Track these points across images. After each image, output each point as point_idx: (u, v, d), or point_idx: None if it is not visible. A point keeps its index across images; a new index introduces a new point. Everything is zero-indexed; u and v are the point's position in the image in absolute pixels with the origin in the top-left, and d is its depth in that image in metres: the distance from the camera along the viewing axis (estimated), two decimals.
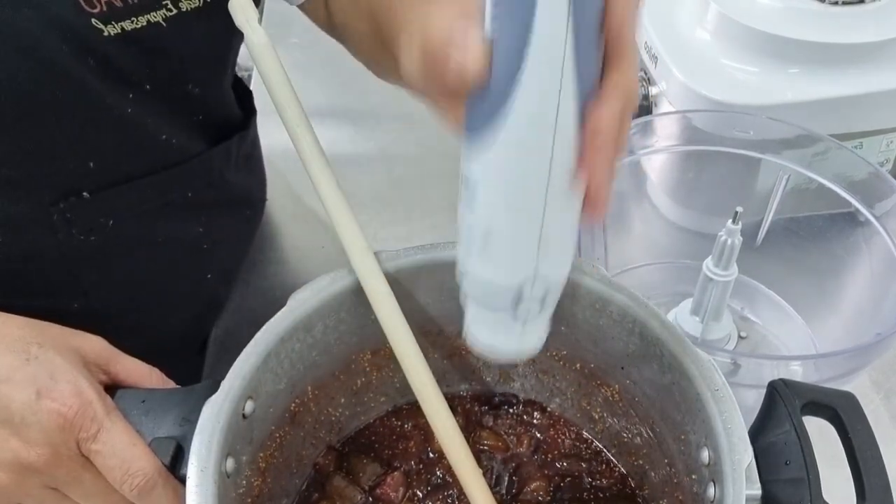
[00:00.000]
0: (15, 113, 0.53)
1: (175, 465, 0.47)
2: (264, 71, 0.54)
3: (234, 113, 0.72)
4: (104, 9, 0.52)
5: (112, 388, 0.50)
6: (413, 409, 0.63)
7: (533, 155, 0.37)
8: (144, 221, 0.64)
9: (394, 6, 0.56)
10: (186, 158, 0.65)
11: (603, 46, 0.36)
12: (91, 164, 0.58)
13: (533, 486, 0.58)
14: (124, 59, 0.55)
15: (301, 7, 0.71)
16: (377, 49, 0.62)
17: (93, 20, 0.52)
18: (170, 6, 0.56)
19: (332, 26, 0.70)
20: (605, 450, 0.61)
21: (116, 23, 0.53)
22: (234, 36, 0.64)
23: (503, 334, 0.45)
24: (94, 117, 0.56)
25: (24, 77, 0.52)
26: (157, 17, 0.55)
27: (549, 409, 0.64)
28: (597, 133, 0.36)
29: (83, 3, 0.52)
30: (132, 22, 0.54)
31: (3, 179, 0.56)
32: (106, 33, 0.53)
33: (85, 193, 0.59)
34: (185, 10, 0.56)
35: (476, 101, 0.38)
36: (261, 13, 0.60)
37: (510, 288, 0.42)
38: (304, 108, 0.53)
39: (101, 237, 0.62)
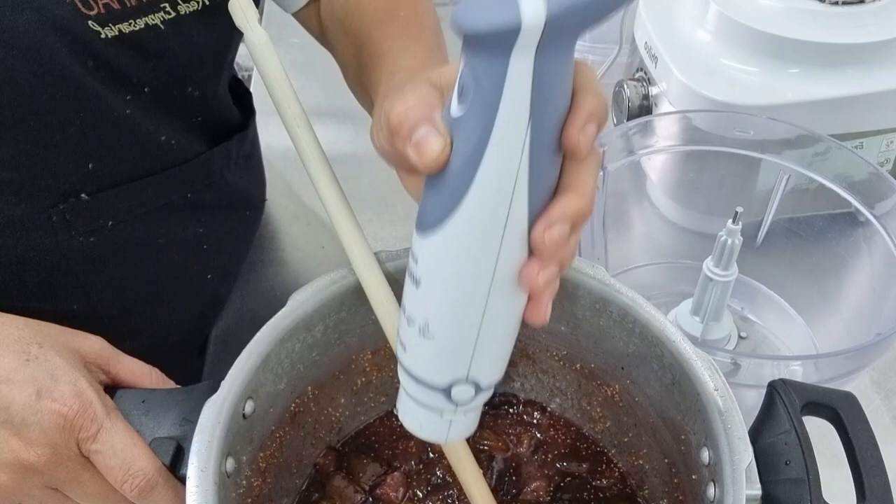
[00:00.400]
0: (14, 115, 0.53)
1: (175, 465, 0.47)
2: (264, 71, 0.54)
3: (233, 114, 0.72)
4: (102, 11, 0.52)
5: (112, 388, 0.50)
6: None
7: (480, 252, 0.37)
8: (144, 222, 0.64)
9: (381, 53, 0.57)
10: (186, 159, 0.65)
11: (560, 160, 0.37)
12: (90, 166, 0.58)
13: (533, 485, 0.58)
14: (122, 62, 0.55)
15: (295, 16, 0.71)
16: (356, 83, 0.63)
17: (90, 22, 0.52)
18: (168, 9, 0.56)
19: (323, 38, 0.71)
20: (605, 450, 0.61)
21: (114, 25, 0.53)
22: (233, 38, 0.64)
23: (430, 423, 0.45)
24: (93, 119, 0.56)
25: (23, 79, 0.52)
26: (154, 19, 0.55)
27: (549, 408, 0.64)
28: (542, 248, 0.37)
29: (80, 6, 0.52)
30: (130, 24, 0.54)
31: (2, 181, 0.56)
32: (103, 35, 0.53)
33: (84, 195, 0.59)
34: (183, 13, 0.56)
35: (430, 188, 0.38)
36: (261, 13, 0.60)
37: (439, 387, 0.42)
38: (304, 107, 0.53)
39: (101, 238, 0.62)
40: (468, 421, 0.46)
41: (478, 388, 0.43)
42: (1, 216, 0.57)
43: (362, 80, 0.60)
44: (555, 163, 0.36)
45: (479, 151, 0.34)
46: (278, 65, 0.54)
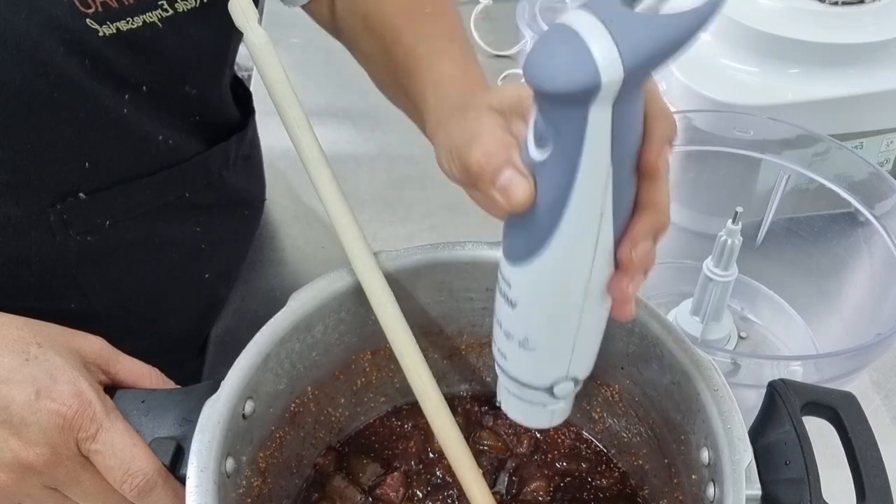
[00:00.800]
0: (11, 114, 0.53)
1: (175, 465, 0.47)
2: (264, 71, 0.54)
3: (232, 113, 0.72)
4: (99, 9, 0.52)
5: (111, 388, 0.50)
6: (413, 410, 0.63)
7: (573, 277, 0.40)
8: (142, 222, 0.64)
9: (417, 57, 0.58)
10: (184, 159, 0.65)
11: (636, 181, 0.39)
12: (87, 165, 0.58)
13: (533, 486, 0.58)
14: (120, 60, 0.55)
15: (304, 8, 0.71)
16: (388, 79, 0.64)
17: (87, 21, 0.52)
18: (165, 7, 0.55)
19: (336, 31, 0.70)
20: (604, 450, 0.61)
21: (111, 23, 0.53)
22: (232, 37, 0.64)
23: (534, 414, 0.49)
24: (91, 118, 0.56)
25: (20, 78, 0.52)
26: (152, 17, 0.55)
27: None
28: (630, 265, 0.39)
29: (78, 4, 0.52)
30: (127, 22, 0.54)
31: (0, 181, 0.56)
32: (101, 34, 0.53)
33: (82, 195, 0.59)
34: (180, 10, 0.56)
35: (516, 225, 0.40)
36: (260, 13, 0.60)
37: (543, 388, 0.46)
38: (304, 108, 0.53)
39: (98, 238, 0.62)
40: (568, 405, 0.49)
41: (577, 382, 0.47)
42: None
43: (400, 81, 0.60)
44: (633, 185, 0.38)
45: (565, 193, 0.36)
46: (278, 65, 0.54)
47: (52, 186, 0.58)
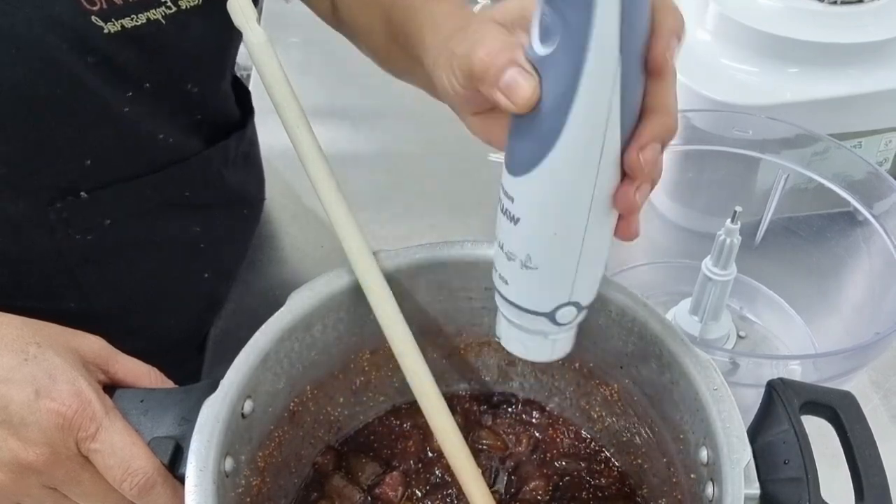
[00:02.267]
0: (14, 111, 0.53)
1: (174, 464, 0.47)
2: (263, 70, 0.54)
3: (232, 112, 0.72)
4: (104, 6, 0.52)
5: (111, 387, 0.50)
6: (412, 409, 0.63)
7: (578, 185, 0.38)
8: (142, 221, 0.64)
9: (414, 7, 0.57)
10: (184, 158, 0.65)
11: (644, 81, 0.37)
12: (88, 163, 0.58)
13: (532, 485, 0.58)
14: (124, 57, 0.55)
15: (304, 1, 0.71)
16: (389, 46, 0.63)
17: (93, 18, 0.52)
18: (169, 4, 0.56)
19: (337, 20, 0.70)
20: (603, 449, 0.62)
21: (116, 20, 0.53)
22: (234, 35, 0.64)
23: (535, 346, 0.47)
24: (93, 116, 0.56)
25: (24, 75, 0.52)
26: (156, 14, 0.55)
27: (548, 408, 0.64)
28: (638, 170, 0.37)
29: (84, 2, 0.52)
30: (132, 19, 0.54)
31: (1, 179, 0.56)
32: (106, 31, 0.53)
33: (83, 193, 0.59)
34: (184, 7, 0.56)
35: (520, 130, 0.38)
36: (259, 13, 0.60)
37: (545, 313, 0.44)
38: (304, 107, 0.53)
39: (98, 237, 0.62)
40: (570, 337, 0.48)
41: (580, 308, 0.44)
42: (0, 214, 0.57)
43: (400, 42, 0.60)
44: (641, 85, 0.37)
45: (572, 89, 0.35)
46: (277, 64, 0.54)
47: (52, 184, 0.58)
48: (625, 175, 0.38)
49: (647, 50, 0.36)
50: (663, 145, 0.38)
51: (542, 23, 0.35)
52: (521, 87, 0.36)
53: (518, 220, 0.40)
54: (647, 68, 0.36)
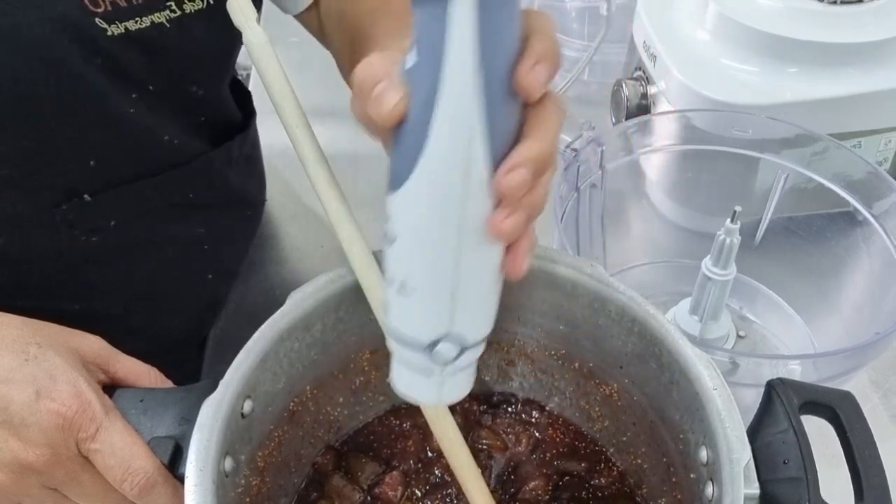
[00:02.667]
0: (16, 111, 0.53)
1: (174, 464, 0.47)
2: (263, 70, 0.54)
3: (234, 114, 0.72)
4: (109, 8, 0.53)
5: (111, 387, 0.50)
6: (412, 409, 0.63)
7: (444, 204, 0.37)
8: (145, 222, 0.64)
9: (373, 38, 0.58)
10: (187, 160, 0.65)
11: (519, 108, 0.37)
12: (92, 163, 0.58)
13: (532, 485, 0.58)
14: (128, 60, 0.56)
15: (297, 18, 0.72)
16: (350, 70, 0.64)
17: (97, 20, 0.52)
18: (174, 7, 0.56)
19: (323, 37, 0.71)
20: (603, 449, 0.62)
21: (120, 23, 0.54)
22: (236, 37, 0.64)
23: (423, 385, 0.45)
24: (96, 116, 0.56)
25: (26, 75, 0.52)
26: (160, 17, 0.55)
27: (547, 408, 0.64)
28: (505, 192, 0.37)
29: (88, 4, 0.52)
30: (136, 22, 0.54)
31: (5, 180, 0.56)
32: (110, 33, 0.53)
33: (87, 196, 0.59)
34: (188, 11, 0.57)
35: (395, 146, 0.38)
36: (259, 13, 0.60)
37: (423, 344, 0.42)
38: (304, 107, 0.53)
39: (102, 238, 0.62)
40: (460, 381, 0.45)
41: (463, 346, 0.42)
42: (3, 215, 0.57)
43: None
44: (512, 110, 0.36)
45: (431, 100, 0.34)
46: (277, 64, 0.54)
47: (56, 185, 0.58)
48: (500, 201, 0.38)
49: (512, 82, 0.35)
50: (537, 173, 0.37)
51: (413, 37, 0.35)
52: (386, 98, 0.36)
53: (394, 239, 0.40)
54: (514, 91, 0.36)
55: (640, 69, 0.88)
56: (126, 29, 0.54)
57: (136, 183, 0.62)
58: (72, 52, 0.53)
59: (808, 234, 0.79)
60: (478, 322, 0.43)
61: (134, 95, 0.58)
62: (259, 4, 0.66)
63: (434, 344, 0.42)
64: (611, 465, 0.61)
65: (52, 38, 0.52)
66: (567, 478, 0.59)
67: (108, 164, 0.59)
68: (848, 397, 0.49)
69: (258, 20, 0.54)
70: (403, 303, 0.41)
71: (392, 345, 0.44)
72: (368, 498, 0.58)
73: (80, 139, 0.57)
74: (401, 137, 0.37)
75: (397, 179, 0.38)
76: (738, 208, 0.65)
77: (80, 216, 0.59)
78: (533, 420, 0.63)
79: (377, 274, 0.53)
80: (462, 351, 0.42)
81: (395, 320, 0.43)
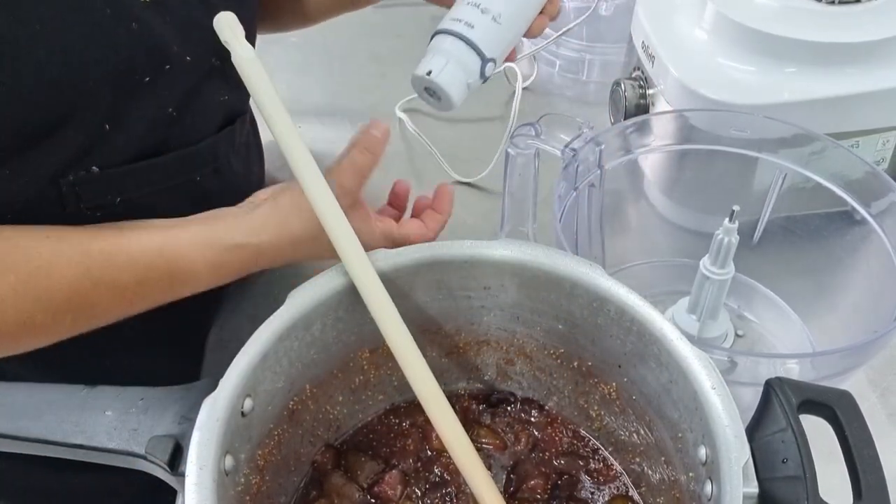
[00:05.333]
0: (57, 68, 0.54)
1: (173, 462, 0.47)
2: (252, 85, 0.55)
3: (243, 91, 0.74)
4: None
5: (109, 384, 0.50)
6: (411, 408, 0.63)
7: None
8: (151, 203, 0.65)
9: None
10: (195, 141, 0.67)
11: None
12: (106, 127, 0.59)
13: (531, 483, 0.58)
14: (161, 27, 0.58)
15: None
16: None
17: None
18: None
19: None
20: (602, 448, 0.62)
21: None
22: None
23: (457, 84, 0.60)
24: (127, 83, 0.58)
25: (78, 41, 0.54)
26: None
27: (546, 407, 0.64)
28: None
29: None
30: None
31: (18, 146, 0.56)
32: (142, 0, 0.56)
33: (95, 168, 0.59)
34: None
35: None
36: (253, 42, 0.61)
37: (487, 58, 0.60)
38: (303, 107, 0.54)
39: (107, 214, 0.62)
40: (466, 86, 0.62)
41: (494, 66, 0.62)
42: (11, 186, 0.57)
43: None
44: None
45: None
46: (267, 78, 0.54)
47: (68, 148, 0.58)
48: None
49: None
50: None
51: None
52: None
53: None
54: None
55: (638, 69, 0.88)
56: None
57: (143, 162, 0.63)
58: (110, 17, 0.55)
59: (806, 234, 0.79)
60: (505, 53, 0.64)
61: (168, 67, 0.59)
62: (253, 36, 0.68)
63: (490, 60, 0.61)
64: (609, 464, 0.61)
65: (95, 3, 0.54)
66: (566, 476, 0.59)
67: (119, 131, 0.60)
68: (846, 396, 0.49)
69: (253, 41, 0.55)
70: (492, 27, 0.60)
71: (460, 51, 0.60)
72: (368, 497, 0.58)
73: (99, 97, 0.57)
74: None
75: None
76: (736, 208, 0.65)
77: (88, 189, 0.60)
78: (532, 419, 0.63)
79: (374, 277, 0.54)
80: (494, 66, 0.62)
81: (480, 37, 0.60)
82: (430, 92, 0.61)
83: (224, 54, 0.59)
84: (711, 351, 0.59)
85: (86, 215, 0.61)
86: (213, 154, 0.69)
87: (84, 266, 0.56)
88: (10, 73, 0.52)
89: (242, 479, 0.51)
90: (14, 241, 0.55)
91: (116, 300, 0.58)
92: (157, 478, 0.49)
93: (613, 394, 0.59)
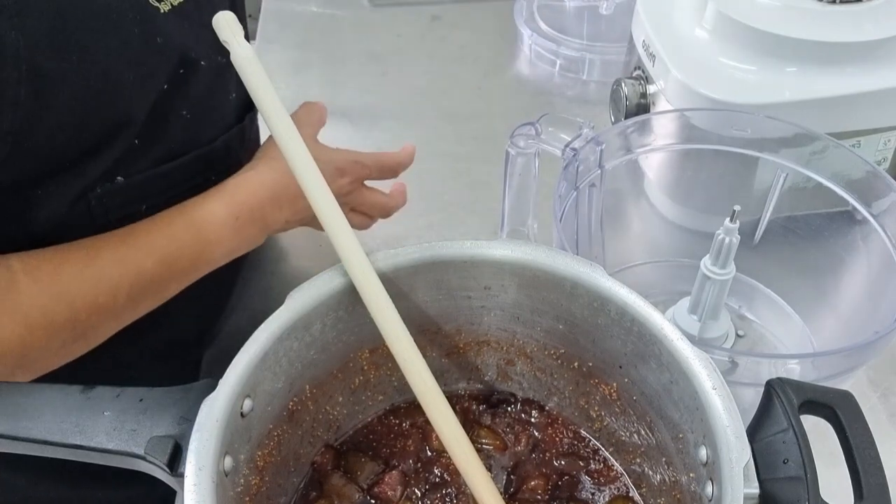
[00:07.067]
0: (86, 76, 0.55)
1: (173, 463, 0.47)
2: (251, 85, 0.55)
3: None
4: None
5: (108, 384, 0.50)
6: (411, 408, 0.63)
7: None
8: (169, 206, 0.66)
9: None
10: (210, 140, 0.68)
11: None
12: (136, 143, 0.60)
13: (531, 484, 0.58)
14: (180, 36, 0.59)
15: None
16: None
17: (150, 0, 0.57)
18: None
19: None
20: (602, 448, 0.62)
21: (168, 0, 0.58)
22: None
23: None
24: (154, 95, 0.59)
25: (105, 47, 0.55)
26: None
27: (547, 407, 0.64)
28: None
29: None
30: None
31: (52, 170, 0.57)
32: (162, 10, 0.58)
33: (119, 178, 0.60)
34: None
35: None
36: (246, 29, 0.61)
37: None
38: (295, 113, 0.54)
39: (131, 223, 0.63)
40: None
41: None
42: (44, 205, 0.58)
43: None
44: None
45: None
46: (265, 77, 0.55)
47: (97, 166, 0.58)
48: None
49: None
50: None
51: None
52: None
53: None
54: None
55: (639, 68, 0.88)
56: (171, 4, 0.59)
57: (166, 165, 0.64)
58: (138, 35, 0.57)
59: (807, 234, 0.79)
60: None
61: (182, 71, 0.61)
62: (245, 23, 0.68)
63: None
64: (610, 464, 0.61)
65: (124, 15, 0.56)
66: (566, 477, 0.59)
67: (149, 144, 0.61)
68: (847, 397, 0.49)
69: (245, 36, 0.55)
70: None
71: None
72: (368, 497, 0.58)
73: (133, 116, 0.58)
74: None
75: None
76: (737, 207, 0.65)
77: (114, 199, 0.60)
78: (532, 419, 0.63)
79: (374, 278, 0.53)
80: None
81: None
82: None
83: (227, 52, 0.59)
84: (712, 351, 0.59)
85: (115, 226, 0.62)
86: (226, 153, 0.70)
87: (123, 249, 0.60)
88: (51, 104, 0.53)
89: (242, 480, 0.51)
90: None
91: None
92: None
93: (614, 394, 0.59)
